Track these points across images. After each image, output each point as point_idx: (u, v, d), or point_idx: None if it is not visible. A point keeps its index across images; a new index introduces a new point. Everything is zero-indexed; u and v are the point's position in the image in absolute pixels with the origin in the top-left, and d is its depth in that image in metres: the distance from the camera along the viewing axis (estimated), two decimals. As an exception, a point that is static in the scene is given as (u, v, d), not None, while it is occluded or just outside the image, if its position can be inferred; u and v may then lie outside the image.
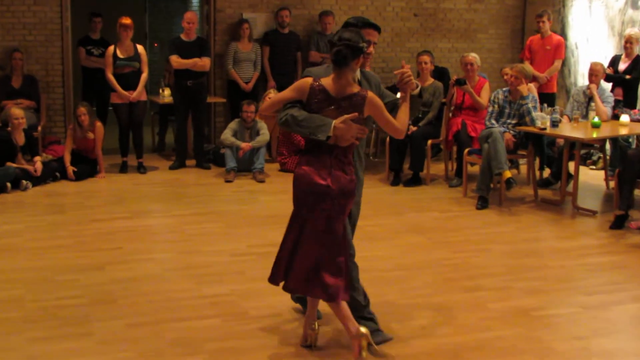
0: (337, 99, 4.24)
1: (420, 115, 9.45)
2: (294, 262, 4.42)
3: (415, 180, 9.30)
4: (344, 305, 4.35)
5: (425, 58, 9.43)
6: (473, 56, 9.41)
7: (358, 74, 4.50)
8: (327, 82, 4.29)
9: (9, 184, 8.52)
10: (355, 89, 4.27)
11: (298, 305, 5.11)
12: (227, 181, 9.29)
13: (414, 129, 9.29)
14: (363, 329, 4.25)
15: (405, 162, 9.49)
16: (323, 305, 4.61)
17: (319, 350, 4.57)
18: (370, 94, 4.27)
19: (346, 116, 4.16)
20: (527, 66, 9.01)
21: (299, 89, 4.34)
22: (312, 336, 4.56)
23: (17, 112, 8.97)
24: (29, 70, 10.28)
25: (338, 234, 4.34)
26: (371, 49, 4.56)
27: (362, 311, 4.66)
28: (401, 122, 4.33)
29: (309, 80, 4.33)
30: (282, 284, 4.53)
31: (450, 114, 9.51)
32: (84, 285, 5.69)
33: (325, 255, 4.33)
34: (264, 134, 9.66)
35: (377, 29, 4.71)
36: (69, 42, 10.68)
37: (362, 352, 4.22)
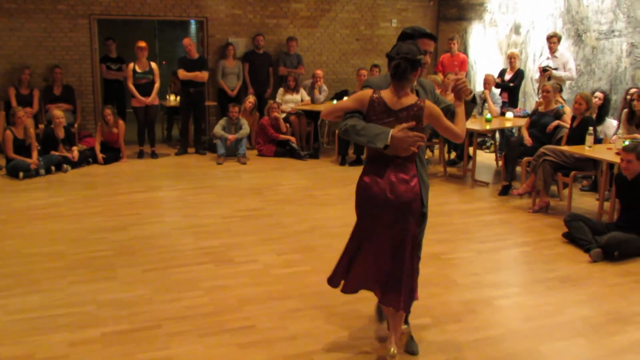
0: (396, 111, 3.37)
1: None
2: (354, 275, 3.60)
3: (357, 162, 9.29)
4: (399, 317, 3.59)
5: (363, 72, 9.56)
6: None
7: (415, 82, 3.57)
8: (386, 94, 3.41)
9: (53, 168, 8.43)
10: (413, 99, 3.39)
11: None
12: (219, 163, 9.25)
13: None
14: (393, 349, 3.52)
15: (350, 148, 9.54)
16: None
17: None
18: (427, 103, 3.39)
19: (404, 125, 3.33)
20: (437, 77, 9.11)
21: (359, 100, 3.45)
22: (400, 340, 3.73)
23: (58, 113, 8.87)
24: (66, 82, 10.15)
25: (405, 246, 3.44)
26: (427, 58, 3.55)
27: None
28: (460, 127, 3.47)
29: (369, 92, 3.44)
30: (342, 286, 3.68)
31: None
32: (110, 241, 5.68)
33: (397, 268, 3.46)
34: (245, 128, 9.63)
35: (433, 38, 3.66)
36: (97, 60, 10.55)
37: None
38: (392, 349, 3.53)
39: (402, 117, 3.37)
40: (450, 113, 3.53)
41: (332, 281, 3.68)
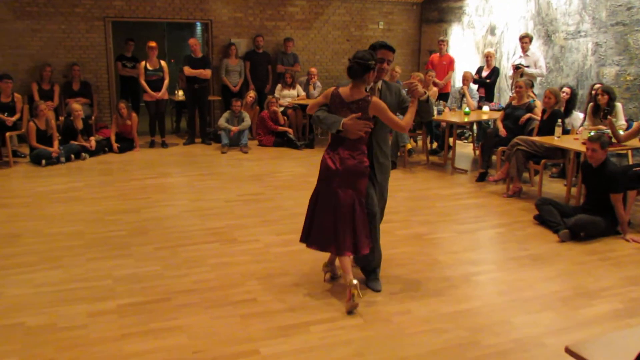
0: (348, 103, 3.88)
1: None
2: (313, 225, 4.04)
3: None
4: (346, 259, 3.94)
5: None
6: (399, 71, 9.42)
7: (380, 84, 4.10)
8: (343, 90, 3.93)
9: (72, 156, 8.37)
10: (362, 95, 3.86)
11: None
12: (223, 152, 9.20)
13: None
14: (354, 281, 3.82)
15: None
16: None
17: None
18: (374, 99, 3.85)
19: (353, 115, 3.83)
20: (420, 74, 9.06)
21: (326, 95, 4.03)
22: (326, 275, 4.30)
23: (77, 106, 8.78)
24: (84, 78, 10.05)
25: (348, 204, 3.89)
26: (385, 65, 4.03)
27: (370, 267, 4.29)
28: (405, 120, 3.91)
29: (332, 88, 4.02)
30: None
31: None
32: (125, 222, 5.65)
33: (338, 220, 3.90)
34: (247, 121, 9.57)
35: (389, 49, 4.09)
36: (112, 58, 10.43)
37: (353, 298, 3.81)
38: (353, 280, 3.84)
39: (352, 108, 3.88)
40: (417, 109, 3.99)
41: (302, 238, 4.13)
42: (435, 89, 9.49)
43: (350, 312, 3.83)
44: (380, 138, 4.12)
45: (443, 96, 9.92)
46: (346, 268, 3.94)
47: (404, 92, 4.21)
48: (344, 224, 3.91)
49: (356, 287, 3.81)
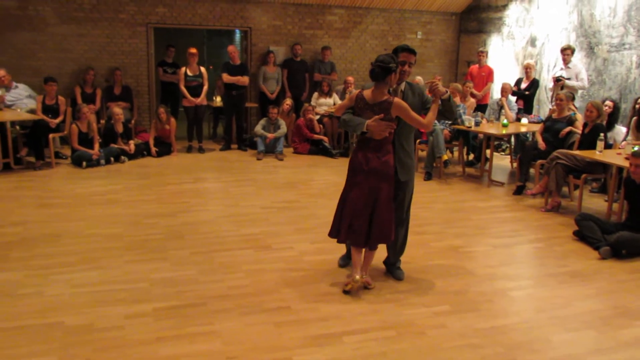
0: (371, 105, 4.05)
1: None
2: (342, 222, 4.21)
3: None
4: (369, 256, 4.30)
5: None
6: (419, 79, 9.39)
7: (403, 85, 4.24)
8: (367, 92, 4.11)
9: (112, 158, 8.53)
10: (385, 97, 4.02)
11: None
12: (258, 159, 9.26)
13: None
14: (357, 276, 4.16)
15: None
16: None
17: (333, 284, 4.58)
18: (396, 100, 4.01)
19: (375, 117, 3.99)
20: (458, 85, 8.96)
21: (350, 98, 4.21)
22: (352, 285, 4.24)
23: (118, 110, 8.95)
24: (125, 82, 10.24)
25: (379, 201, 4.09)
26: (406, 67, 4.18)
27: (395, 259, 4.63)
28: (428, 119, 4.09)
29: (357, 91, 4.19)
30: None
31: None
32: (162, 226, 5.72)
33: (369, 216, 4.13)
34: (283, 128, 9.62)
35: (411, 52, 4.22)
36: (152, 64, 10.63)
37: (347, 287, 4.22)
38: (357, 276, 4.17)
39: (375, 110, 4.03)
40: (439, 109, 4.17)
41: (331, 233, 4.31)
42: (473, 100, 9.40)
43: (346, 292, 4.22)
44: (404, 137, 4.27)
45: (481, 107, 9.81)
46: (359, 262, 4.22)
47: (427, 93, 4.32)
48: (378, 217, 4.10)
49: (357, 283, 4.17)
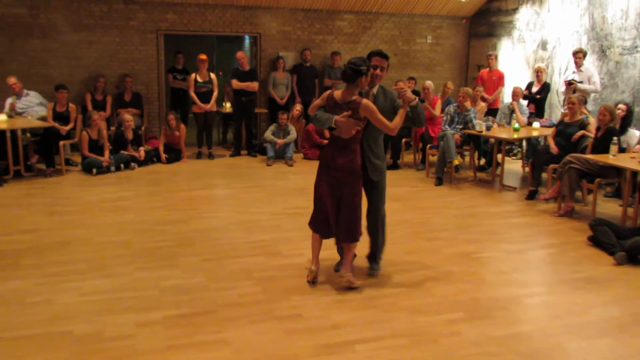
0: (340, 104, 4.22)
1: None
2: (316, 213, 4.45)
3: (394, 166, 9.23)
4: (347, 251, 4.46)
5: (400, 84, 9.25)
6: (429, 83, 9.32)
7: (376, 89, 4.39)
8: (337, 93, 4.28)
9: (122, 165, 8.54)
10: (354, 97, 4.18)
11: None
12: (268, 165, 9.24)
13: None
14: (313, 267, 4.45)
15: (387, 153, 9.40)
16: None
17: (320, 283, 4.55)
18: (364, 101, 4.16)
19: (344, 113, 4.16)
20: (469, 89, 8.89)
21: (323, 97, 4.40)
22: (312, 274, 4.50)
23: (128, 117, 8.97)
24: (136, 89, 10.28)
25: (345, 197, 4.27)
26: (378, 71, 4.34)
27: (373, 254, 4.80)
28: (394, 123, 4.21)
29: (328, 91, 4.39)
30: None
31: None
32: (172, 233, 5.70)
33: (338, 211, 4.32)
34: (293, 134, 9.60)
35: (383, 56, 4.39)
36: (162, 71, 10.66)
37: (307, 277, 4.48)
38: (342, 272, 4.41)
39: (344, 109, 4.19)
40: (406, 116, 4.29)
41: (309, 223, 4.51)
42: (483, 104, 9.34)
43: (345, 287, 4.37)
44: (372, 139, 4.43)
45: (492, 112, 9.74)
46: (316, 252, 4.49)
47: (399, 100, 4.40)
48: (342, 214, 4.30)
49: (312, 273, 4.43)
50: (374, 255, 4.79)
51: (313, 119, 4.37)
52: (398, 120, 4.24)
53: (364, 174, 4.42)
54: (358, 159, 4.30)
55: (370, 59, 4.36)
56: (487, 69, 10.31)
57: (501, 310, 4.11)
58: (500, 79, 10.20)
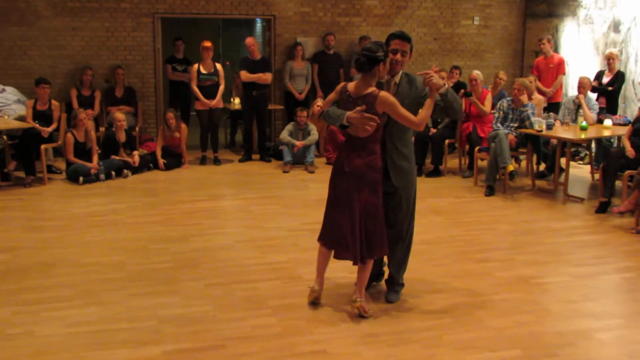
0: (355, 98, 4.25)
1: (439, 120, 9.37)
2: (328, 226, 4.54)
3: (435, 172, 9.23)
4: (361, 273, 4.45)
5: (442, 74, 9.39)
6: (477, 73, 9.29)
7: (398, 76, 4.39)
8: (351, 85, 4.33)
9: (113, 173, 8.65)
10: (370, 90, 4.20)
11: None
12: (285, 172, 9.28)
13: (434, 131, 9.26)
14: (316, 287, 4.56)
15: (427, 158, 9.39)
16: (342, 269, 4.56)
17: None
18: (382, 93, 4.18)
19: (358, 108, 4.17)
20: (525, 80, 8.84)
21: (336, 91, 4.46)
22: (313, 294, 4.59)
23: (120, 115, 9.09)
24: (128, 83, 10.41)
25: (357, 205, 4.30)
26: (398, 56, 4.29)
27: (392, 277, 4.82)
28: (420, 117, 4.24)
29: (342, 84, 4.46)
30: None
31: (463, 119, 9.36)
32: (172, 252, 5.74)
33: (354, 224, 4.32)
34: (314, 134, 9.64)
35: (404, 39, 4.32)
36: (160, 61, 10.80)
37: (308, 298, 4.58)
38: (354, 297, 4.40)
39: (359, 104, 4.21)
40: (437, 106, 4.30)
41: (320, 238, 4.60)
42: (541, 98, 9.27)
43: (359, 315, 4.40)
44: (396, 137, 4.40)
45: (552, 107, 9.68)
46: (322, 270, 4.55)
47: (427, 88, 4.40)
48: (360, 228, 4.31)
49: (314, 293, 4.53)
50: (392, 281, 4.79)
51: (324, 115, 4.46)
52: (424, 113, 4.25)
53: (386, 181, 4.42)
54: (378, 162, 4.32)
55: (389, 42, 4.34)
56: (544, 56, 10.24)
57: (568, 348, 4.07)
58: (559, 66, 10.11)
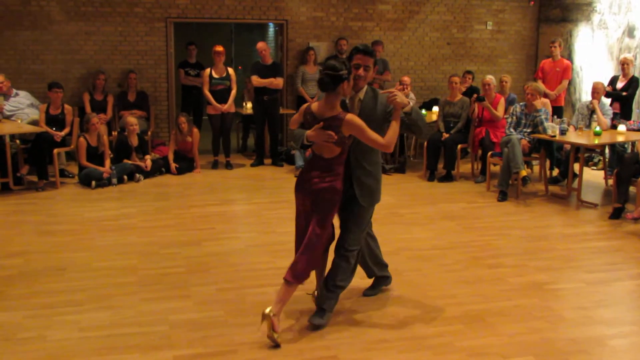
0: (319, 121, 4.12)
1: (451, 125, 9.36)
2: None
3: (447, 177, 9.21)
4: (284, 289, 4.19)
5: (455, 79, 9.42)
6: (490, 78, 9.28)
7: (363, 92, 4.27)
8: (314, 105, 4.23)
9: (125, 177, 8.69)
10: (335, 112, 4.08)
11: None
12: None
13: (446, 135, 9.23)
14: (267, 309, 4.05)
15: (439, 162, 9.38)
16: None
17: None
18: (348, 116, 4.05)
19: (316, 126, 4.09)
20: (539, 85, 8.82)
21: (300, 112, 4.36)
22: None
23: (132, 120, 9.14)
24: (141, 87, 10.47)
25: (310, 226, 4.20)
26: (361, 71, 4.20)
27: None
28: (387, 138, 4.09)
29: (305, 105, 4.38)
30: None
31: (475, 124, 9.34)
32: (184, 257, 5.77)
33: (300, 240, 4.28)
34: (326, 139, 9.64)
35: (367, 53, 4.24)
36: (172, 65, 10.85)
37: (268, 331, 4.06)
38: (267, 309, 4.04)
39: (324, 127, 4.09)
40: (403, 123, 4.21)
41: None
42: (546, 101, 9.21)
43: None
44: (361, 155, 4.31)
45: (555, 111, 9.64)
46: (280, 297, 4.15)
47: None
48: (303, 247, 4.21)
49: (270, 321, 4.03)
50: (322, 297, 4.48)
51: (290, 136, 4.34)
52: (391, 134, 4.11)
53: (351, 199, 4.33)
54: (339, 184, 4.22)
55: (352, 57, 4.27)
56: (550, 59, 10.22)
57: (581, 355, 4.05)
58: (565, 71, 10.08)
